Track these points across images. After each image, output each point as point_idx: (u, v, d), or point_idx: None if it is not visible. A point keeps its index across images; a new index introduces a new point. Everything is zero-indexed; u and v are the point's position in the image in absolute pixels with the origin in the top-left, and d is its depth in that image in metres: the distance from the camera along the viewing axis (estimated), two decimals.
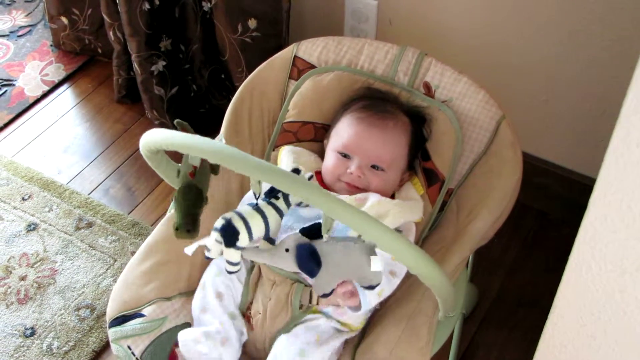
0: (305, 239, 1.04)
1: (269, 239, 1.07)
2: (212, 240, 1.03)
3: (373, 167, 1.25)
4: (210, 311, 1.17)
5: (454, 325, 1.33)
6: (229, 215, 1.03)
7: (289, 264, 1.02)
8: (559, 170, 1.73)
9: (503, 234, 1.65)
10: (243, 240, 1.02)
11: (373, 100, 1.31)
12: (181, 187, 0.98)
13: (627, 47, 1.44)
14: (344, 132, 1.28)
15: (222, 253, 1.05)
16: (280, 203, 1.06)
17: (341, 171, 1.25)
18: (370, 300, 1.10)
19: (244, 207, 1.06)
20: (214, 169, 1.04)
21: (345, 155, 1.26)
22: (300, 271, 1.03)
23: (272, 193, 1.06)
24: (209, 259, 1.13)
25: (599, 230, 0.75)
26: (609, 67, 1.49)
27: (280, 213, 1.06)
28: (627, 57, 1.26)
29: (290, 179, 0.80)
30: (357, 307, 1.11)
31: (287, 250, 1.02)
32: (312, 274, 1.01)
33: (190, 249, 1.06)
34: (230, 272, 1.06)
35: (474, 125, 1.30)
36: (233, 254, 1.04)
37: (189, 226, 0.93)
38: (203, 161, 1.01)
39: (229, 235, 1.01)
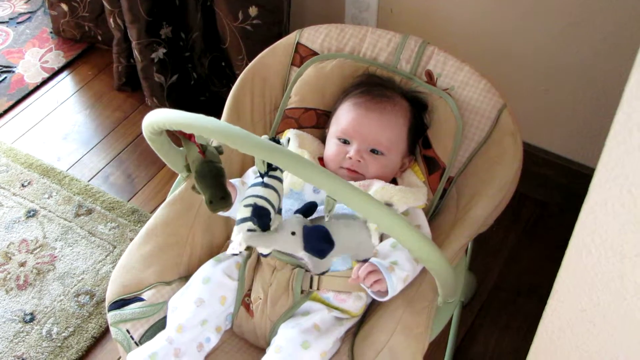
0: (306, 221, 1.05)
1: (278, 210, 1.08)
2: (244, 232, 1.01)
3: (372, 151, 1.25)
4: (179, 315, 1.14)
5: (453, 312, 1.33)
6: (250, 201, 1.03)
7: (295, 247, 1.01)
8: (558, 160, 1.73)
9: (502, 223, 1.66)
10: (271, 217, 1.03)
11: (372, 86, 1.31)
12: (198, 165, 0.97)
13: (628, 37, 1.44)
14: (342, 118, 1.28)
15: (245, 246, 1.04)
16: (278, 173, 1.08)
17: (342, 157, 1.25)
18: (396, 285, 1.10)
19: (253, 189, 1.06)
20: (218, 148, 1.04)
21: (345, 142, 1.26)
22: (300, 253, 1.03)
23: (270, 166, 1.07)
24: (235, 255, 1.15)
25: (599, 215, 0.74)
26: (609, 58, 1.49)
27: (281, 180, 1.08)
28: (627, 47, 1.26)
29: (294, 160, 0.80)
30: (384, 293, 1.11)
31: (293, 233, 1.01)
32: (323, 254, 1.01)
33: (236, 248, 1.03)
34: (265, 256, 1.05)
35: (475, 113, 1.30)
36: None
37: (222, 193, 0.92)
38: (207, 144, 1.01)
39: (262, 217, 1.01)
